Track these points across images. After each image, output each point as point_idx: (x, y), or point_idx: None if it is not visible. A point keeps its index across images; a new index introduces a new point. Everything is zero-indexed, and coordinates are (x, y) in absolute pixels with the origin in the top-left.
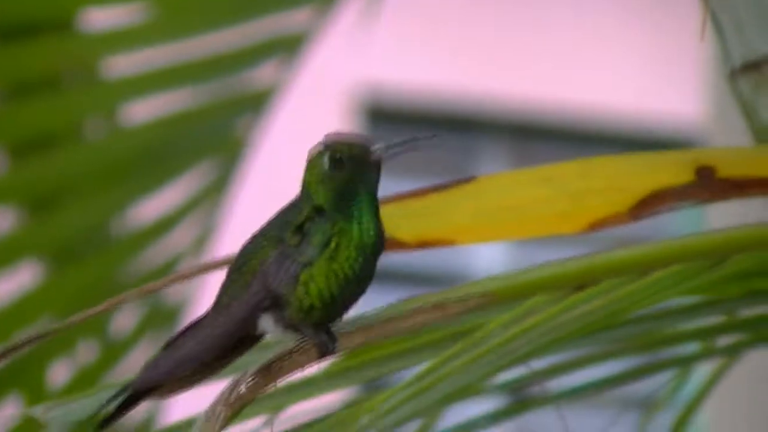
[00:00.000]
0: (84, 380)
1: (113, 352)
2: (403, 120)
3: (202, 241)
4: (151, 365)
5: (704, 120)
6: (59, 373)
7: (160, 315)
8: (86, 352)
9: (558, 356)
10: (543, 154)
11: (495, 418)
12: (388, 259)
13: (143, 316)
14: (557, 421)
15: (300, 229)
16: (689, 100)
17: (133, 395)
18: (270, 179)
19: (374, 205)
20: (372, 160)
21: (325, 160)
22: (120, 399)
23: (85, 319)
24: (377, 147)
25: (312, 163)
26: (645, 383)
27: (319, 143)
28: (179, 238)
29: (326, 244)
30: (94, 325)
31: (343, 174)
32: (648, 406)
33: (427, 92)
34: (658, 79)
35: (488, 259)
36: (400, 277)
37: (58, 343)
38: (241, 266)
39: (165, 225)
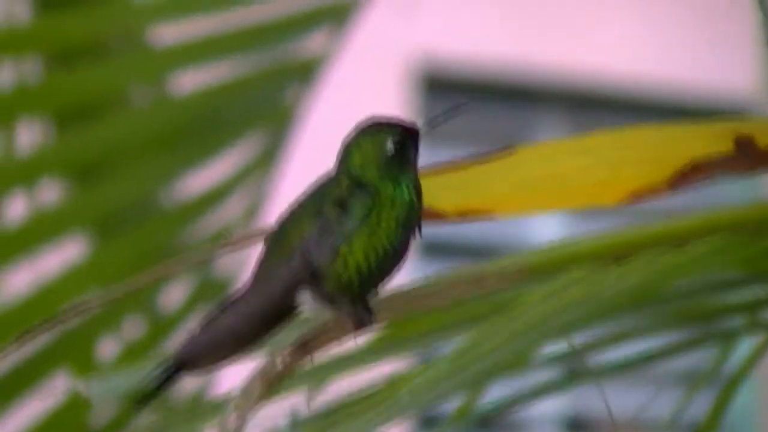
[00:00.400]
0: (133, 355)
1: (162, 327)
2: (459, 89)
3: (251, 213)
4: (190, 341)
5: (758, 91)
6: (109, 349)
7: (210, 288)
8: (135, 327)
9: (598, 331)
10: (601, 124)
11: (537, 393)
12: (443, 232)
13: (193, 289)
14: (598, 397)
15: (340, 202)
16: (746, 71)
17: (172, 370)
18: (320, 150)
19: (416, 178)
20: (419, 137)
21: (389, 143)
22: (160, 374)
23: (132, 289)
24: (421, 125)
25: (365, 141)
26: (687, 359)
27: (376, 121)
28: (228, 210)
29: (366, 218)
30: (142, 300)
31: (402, 155)
32: (690, 382)
33: (484, 61)
34: (716, 50)
35: (548, 232)
36: (454, 250)
37: (106, 318)
38: (279, 239)
39: (214, 197)
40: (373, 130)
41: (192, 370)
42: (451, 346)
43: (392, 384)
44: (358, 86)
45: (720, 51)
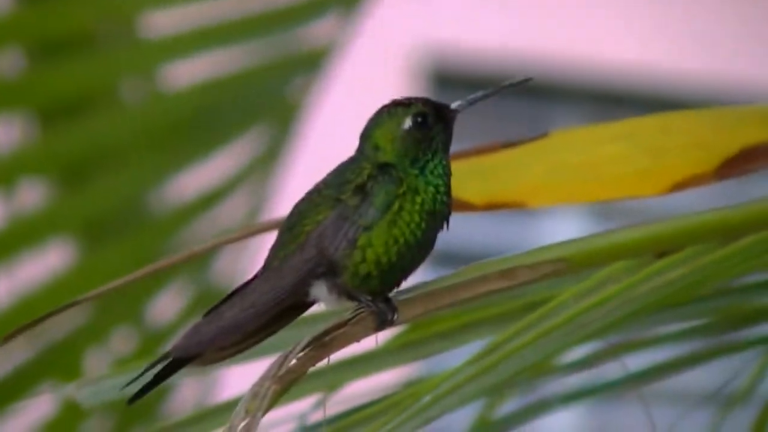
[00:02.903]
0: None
1: (156, 339)
2: (469, 85)
3: (252, 215)
4: (193, 332)
5: None
6: (98, 363)
7: (208, 299)
8: (127, 340)
9: (633, 333)
10: None
11: (566, 400)
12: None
13: (190, 299)
14: (627, 415)
15: (361, 188)
16: None
17: (172, 364)
18: (326, 146)
19: (447, 166)
20: (451, 118)
21: (409, 118)
22: (157, 368)
23: (119, 288)
24: (457, 104)
25: (386, 119)
26: (720, 375)
27: (397, 100)
28: (228, 212)
29: (389, 206)
30: (133, 309)
31: (425, 133)
32: (724, 400)
33: (495, 55)
34: (751, 46)
35: (566, 234)
36: (470, 257)
37: (94, 330)
38: (293, 226)
39: (211, 198)
40: (393, 107)
41: (192, 363)
42: (476, 346)
43: (414, 388)
44: (367, 80)
45: (755, 47)
